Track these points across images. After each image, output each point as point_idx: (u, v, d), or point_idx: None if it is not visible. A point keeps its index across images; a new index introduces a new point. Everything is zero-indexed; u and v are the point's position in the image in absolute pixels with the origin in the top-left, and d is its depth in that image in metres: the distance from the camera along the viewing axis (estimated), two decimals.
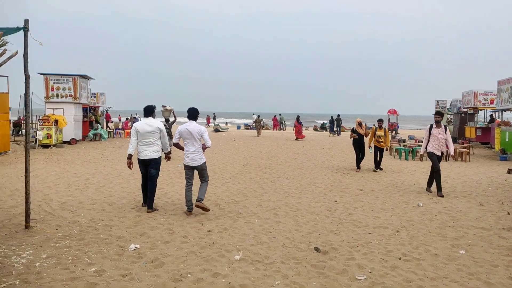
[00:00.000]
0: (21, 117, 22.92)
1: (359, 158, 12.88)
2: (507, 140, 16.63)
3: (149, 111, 6.98)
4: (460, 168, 13.78)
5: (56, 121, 18.03)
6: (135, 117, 32.61)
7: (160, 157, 7.02)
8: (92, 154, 15.73)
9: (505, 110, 20.78)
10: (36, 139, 17.62)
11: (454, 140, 23.27)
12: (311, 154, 17.59)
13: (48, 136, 17.70)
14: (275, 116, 42.15)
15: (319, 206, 7.81)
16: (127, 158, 6.84)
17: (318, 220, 6.71)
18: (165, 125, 17.08)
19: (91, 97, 26.21)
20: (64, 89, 19.73)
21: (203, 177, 6.86)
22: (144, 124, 6.83)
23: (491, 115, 22.60)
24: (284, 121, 42.37)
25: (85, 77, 21.15)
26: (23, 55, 5.37)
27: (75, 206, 7.30)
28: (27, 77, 5.45)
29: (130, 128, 27.92)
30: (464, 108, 23.72)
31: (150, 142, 6.78)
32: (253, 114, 36.69)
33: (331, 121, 34.45)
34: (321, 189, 9.68)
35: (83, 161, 13.64)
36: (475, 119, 25.45)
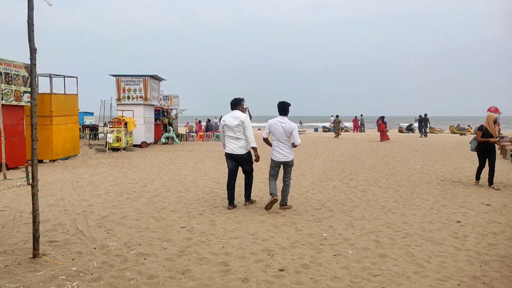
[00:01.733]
0: (106, 123, 22.76)
1: (482, 167, 9.08)
2: None
3: (235, 104, 6.70)
4: None
5: (126, 123, 17.38)
6: (209, 119, 31.86)
7: (249, 153, 6.65)
8: (160, 158, 14.66)
9: None
10: (106, 142, 17.09)
11: None
12: (403, 158, 14.95)
13: (118, 139, 17.08)
14: (355, 117, 39.15)
15: (438, 229, 5.54)
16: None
17: (445, 255, 4.49)
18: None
19: (164, 99, 25.74)
20: (135, 90, 19.13)
21: (287, 175, 6.65)
22: (230, 116, 6.59)
23: None
24: (364, 123, 39.28)
25: (156, 78, 20.46)
26: (27, 21, 3.93)
27: (115, 222, 5.82)
28: (32, 50, 3.99)
29: (204, 131, 27.56)
30: None
31: (236, 137, 6.52)
32: (332, 116, 34.21)
33: (420, 121, 30.87)
34: (430, 202, 7.33)
35: (148, 165, 12.51)
36: None
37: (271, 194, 6.50)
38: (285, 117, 6.53)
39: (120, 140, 17.11)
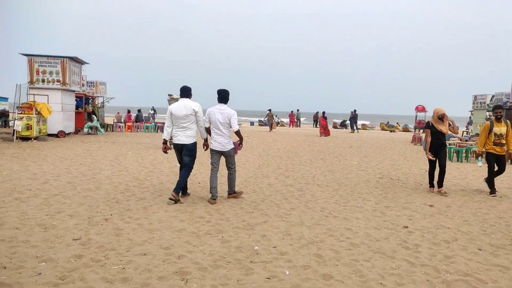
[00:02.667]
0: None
1: (433, 169, 7.88)
2: None
3: (186, 91, 6.32)
4: None
5: (38, 110, 15.30)
6: (140, 110, 29.80)
7: (195, 143, 6.33)
8: (76, 150, 12.94)
9: None
10: (14, 130, 14.91)
11: None
12: (340, 153, 14.55)
13: (28, 127, 14.98)
14: (292, 112, 39.00)
15: (385, 237, 4.82)
16: (162, 143, 6.37)
17: (399, 273, 3.71)
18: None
19: (88, 85, 23.49)
20: (51, 73, 16.97)
21: (230, 164, 6.52)
22: (180, 105, 6.21)
23: None
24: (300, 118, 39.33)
25: (77, 61, 18.38)
26: None
27: None
28: None
29: (133, 122, 25.71)
30: None
31: (185, 126, 6.20)
32: (268, 110, 33.72)
33: (352, 117, 31.29)
34: (372, 203, 6.68)
35: (59, 158, 10.84)
36: None
37: (210, 192, 6.42)
38: (224, 104, 6.36)
39: (31, 128, 15.03)
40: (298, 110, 39.34)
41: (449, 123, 7.72)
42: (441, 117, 7.65)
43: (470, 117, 30.92)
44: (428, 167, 8.10)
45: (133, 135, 20.75)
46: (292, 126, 37.91)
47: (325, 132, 24.26)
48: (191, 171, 6.44)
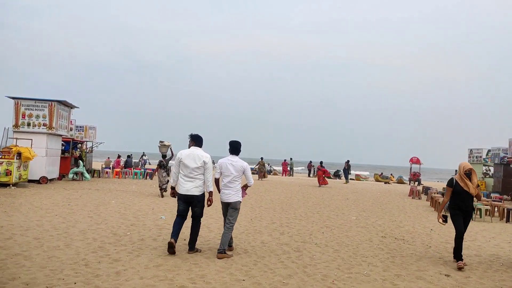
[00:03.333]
0: None
1: (460, 235, 6.47)
2: None
3: (198, 140, 6.18)
4: None
5: (19, 154, 14.53)
6: (129, 155, 29.06)
7: (204, 193, 6.13)
8: (55, 197, 12.06)
9: None
10: None
11: (489, 195, 19.34)
12: (336, 206, 13.78)
13: (8, 173, 14.13)
14: (285, 160, 38.41)
15: None
16: (171, 189, 6.26)
17: None
18: (161, 162, 14.32)
19: (77, 130, 22.88)
20: (37, 116, 16.36)
21: (231, 217, 6.22)
22: (191, 154, 6.01)
23: None
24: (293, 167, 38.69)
25: (66, 104, 17.84)
26: None
27: None
28: None
29: (122, 168, 24.85)
30: None
31: (194, 177, 5.97)
32: (261, 158, 33.21)
33: (346, 168, 30.70)
34: (379, 270, 5.89)
35: (34, 207, 9.96)
36: None
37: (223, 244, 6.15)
38: (236, 156, 6.30)
39: (10, 174, 14.17)
40: (291, 158, 38.80)
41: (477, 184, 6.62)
42: (469, 173, 6.33)
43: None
44: (454, 234, 6.59)
45: (120, 182, 19.86)
46: (285, 175, 37.18)
47: (322, 181, 23.82)
48: (200, 221, 6.27)
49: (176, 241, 5.98)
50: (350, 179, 33.12)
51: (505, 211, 12.16)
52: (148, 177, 23.15)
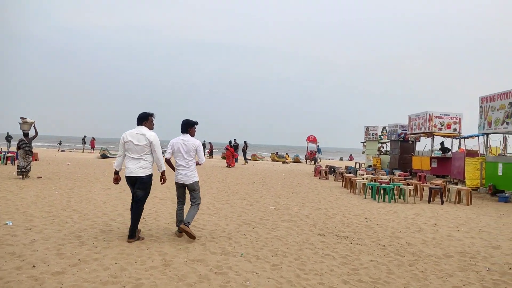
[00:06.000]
0: None
1: None
2: (500, 174, 12.64)
3: (140, 119, 5.73)
4: (481, 218, 9.05)
5: None
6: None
7: (150, 175, 5.67)
8: None
9: (468, 137, 17.46)
10: None
11: (392, 172, 19.38)
12: (245, 192, 11.68)
13: None
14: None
15: None
16: (114, 174, 5.80)
17: None
18: (22, 140, 13.04)
19: None
20: None
21: (194, 199, 6.05)
22: (134, 134, 5.61)
23: (442, 143, 19.18)
24: None
25: None
26: None
27: None
28: None
29: None
30: (413, 134, 20.01)
31: (138, 157, 5.58)
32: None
33: (245, 148, 29.03)
34: None
35: None
36: (415, 148, 22.12)
37: (177, 225, 6.02)
38: (188, 134, 6.03)
39: None
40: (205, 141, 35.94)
41: None
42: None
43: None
44: None
45: None
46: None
47: (230, 162, 22.24)
48: (143, 208, 5.74)
49: (134, 238, 5.62)
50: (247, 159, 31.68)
51: (429, 190, 11.24)
52: (9, 162, 18.54)
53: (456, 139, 18.46)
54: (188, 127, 6.02)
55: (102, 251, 5.06)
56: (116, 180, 5.83)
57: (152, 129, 5.80)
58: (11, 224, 6.32)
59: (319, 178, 17.86)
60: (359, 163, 26.99)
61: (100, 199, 9.29)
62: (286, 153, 40.12)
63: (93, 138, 40.55)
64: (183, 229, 5.70)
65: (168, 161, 6.00)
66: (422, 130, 18.73)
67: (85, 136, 41.02)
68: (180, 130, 6.05)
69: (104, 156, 28.11)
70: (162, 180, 5.81)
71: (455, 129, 18.44)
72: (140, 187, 5.59)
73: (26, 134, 13.14)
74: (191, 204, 6.02)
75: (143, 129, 5.67)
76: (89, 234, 5.90)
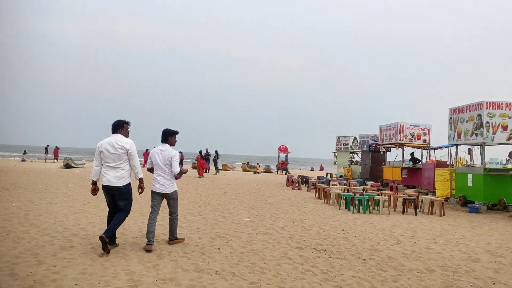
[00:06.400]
0: None
1: None
2: (470, 184, 12.79)
3: (115, 126, 5.62)
4: (455, 229, 9.03)
5: None
6: None
7: (128, 184, 5.58)
8: None
9: (438, 148, 17.71)
10: None
11: (364, 183, 19.46)
12: (218, 203, 11.28)
13: None
14: (147, 150, 34.30)
15: None
16: (92, 184, 5.67)
17: None
18: None
19: None
20: None
21: (172, 208, 6.03)
22: (109, 142, 5.50)
23: (412, 154, 19.43)
24: None
25: None
26: None
27: None
28: None
29: None
30: (384, 144, 20.17)
31: (115, 166, 5.48)
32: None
33: (216, 158, 28.57)
34: None
35: None
36: (385, 159, 22.32)
37: (146, 237, 5.69)
38: (167, 144, 5.97)
39: None
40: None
41: None
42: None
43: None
44: None
45: None
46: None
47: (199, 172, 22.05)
48: (127, 215, 5.64)
49: (106, 236, 5.29)
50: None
51: (403, 201, 11.19)
52: None
53: (426, 150, 18.71)
54: (167, 136, 5.99)
55: (61, 271, 4.56)
56: (94, 190, 5.69)
57: (128, 136, 5.70)
58: None
59: (292, 188, 17.65)
60: (331, 173, 27.05)
61: (62, 211, 8.67)
62: (257, 163, 39.85)
63: (57, 148, 38.97)
64: (173, 243, 5.97)
65: (150, 170, 6.06)
66: (393, 141, 18.90)
67: (48, 145, 39.38)
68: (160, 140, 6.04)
69: (67, 166, 26.92)
70: (140, 189, 5.68)
71: (424, 140, 18.71)
72: (120, 198, 5.52)
73: None
74: (170, 216, 6.05)
75: (118, 136, 5.57)
76: (47, 251, 5.36)
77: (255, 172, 33.08)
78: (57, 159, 37.75)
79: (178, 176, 5.94)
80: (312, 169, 48.99)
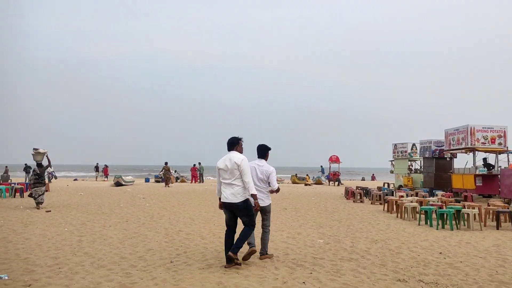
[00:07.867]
0: None
1: None
2: None
3: (232, 143, 5.75)
4: None
5: None
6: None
7: (246, 200, 5.58)
8: None
9: None
10: None
11: (432, 192, 17.71)
12: (280, 221, 10.22)
13: None
14: (194, 165, 33.97)
15: None
16: (219, 200, 5.80)
17: None
18: (34, 171, 13.00)
19: None
20: None
21: (265, 222, 6.22)
22: (225, 159, 5.66)
23: (484, 159, 17.53)
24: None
25: None
26: None
27: None
28: None
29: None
30: (451, 150, 18.37)
31: (229, 183, 5.57)
32: (165, 164, 28.60)
33: None
34: None
35: None
36: (452, 165, 20.42)
37: (248, 244, 5.83)
38: (263, 160, 6.18)
39: None
40: (200, 163, 34.50)
41: None
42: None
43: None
44: None
45: None
46: (195, 182, 32.91)
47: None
48: (253, 229, 5.66)
49: (233, 253, 5.43)
50: None
51: (496, 214, 9.62)
52: (17, 194, 17.33)
53: (501, 154, 16.79)
54: (265, 152, 6.24)
55: None
56: (220, 206, 5.87)
57: (242, 152, 5.80)
58: (6, 277, 4.96)
59: (354, 201, 16.28)
60: (388, 183, 25.28)
61: (116, 236, 7.91)
62: (307, 175, 38.45)
63: (106, 166, 39.51)
64: (263, 258, 6.11)
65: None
66: (463, 146, 17.10)
67: (97, 164, 40.02)
68: (257, 155, 6.24)
69: (118, 184, 26.85)
70: (255, 205, 5.69)
71: (500, 143, 16.80)
72: (240, 214, 5.64)
73: (39, 165, 13.11)
74: (262, 229, 6.20)
75: (233, 153, 5.68)
76: None
77: (306, 184, 31.76)
78: (107, 177, 38.21)
79: (275, 192, 6.13)
80: (363, 179, 46.91)
